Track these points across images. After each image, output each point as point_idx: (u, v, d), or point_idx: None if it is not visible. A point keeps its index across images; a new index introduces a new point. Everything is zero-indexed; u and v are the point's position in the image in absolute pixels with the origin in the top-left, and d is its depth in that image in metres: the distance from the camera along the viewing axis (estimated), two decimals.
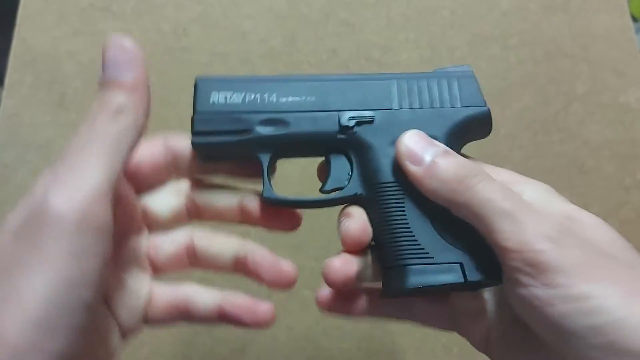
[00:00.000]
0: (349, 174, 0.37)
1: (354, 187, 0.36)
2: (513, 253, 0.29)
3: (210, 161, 0.37)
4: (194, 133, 0.36)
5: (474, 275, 0.33)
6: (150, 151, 0.36)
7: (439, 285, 0.33)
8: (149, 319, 0.36)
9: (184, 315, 0.36)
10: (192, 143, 0.35)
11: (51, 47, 0.69)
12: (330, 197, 0.37)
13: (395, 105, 0.36)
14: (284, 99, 0.36)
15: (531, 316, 0.30)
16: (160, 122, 0.64)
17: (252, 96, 0.36)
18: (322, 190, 0.37)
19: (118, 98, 0.30)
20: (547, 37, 0.68)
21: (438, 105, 0.36)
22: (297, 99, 0.36)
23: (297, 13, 0.70)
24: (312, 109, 0.36)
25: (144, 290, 0.36)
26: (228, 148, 0.36)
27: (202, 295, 0.37)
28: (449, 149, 0.34)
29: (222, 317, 0.36)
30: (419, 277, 0.33)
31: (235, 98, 0.36)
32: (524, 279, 0.29)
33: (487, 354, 0.36)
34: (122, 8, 0.70)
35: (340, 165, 0.37)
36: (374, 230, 0.35)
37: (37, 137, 0.65)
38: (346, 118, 0.36)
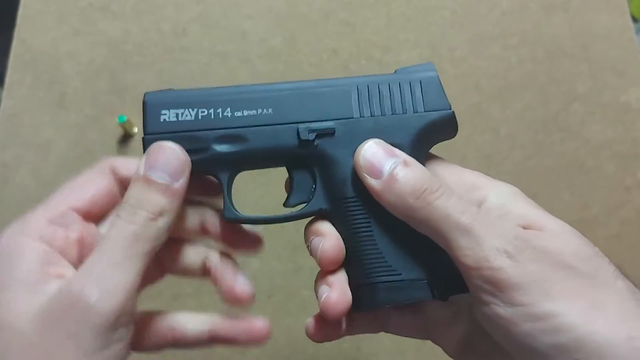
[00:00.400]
0: (312, 188, 0.35)
1: (318, 201, 0.35)
2: (472, 270, 0.29)
3: None
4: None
5: (441, 290, 0.33)
6: (101, 185, 0.35)
7: (407, 302, 0.33)
8: (137, 347, 0.35)
9: (173, 343, 0.36)
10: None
11: (51, 47, 0.69)
12: (294, 213, 0.35)
13: (356, 114, 0.35)
14: (239, 113, 0.34)
15: (496, 333, 0.30)
16: None
17: (206, 112, 0.34)
18: (285, 205, 0.36)
19: (162, 202, 0.32)
20: (547, 37, 0.68)
21: (401, 112, 0.35)
22: (254, 112, 0.34)
23: (297, 13, 0.70)
24: (270, 122, 0.34)
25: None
26: None
27: (191, 321, 0.36)
28: (409, 159, 0.32)
29: (215, 340, 0.36)
30: (388, 294, 0.33)
31: (188, 115, 0.34)
32: (485, 296, 0.29)
33: None
34: (121, 8, 0.70)
35: (304, 179, 0.36)
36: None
37: (36, 137, 0.65)
38: (306, 131, 0.34)
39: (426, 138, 0.35)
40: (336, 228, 0.35)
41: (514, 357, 0.30)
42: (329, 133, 0.34)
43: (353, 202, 0.34)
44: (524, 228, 0.31)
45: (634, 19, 1.12)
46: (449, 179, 0.34)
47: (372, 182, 0.32)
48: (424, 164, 0.33)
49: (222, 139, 0.34)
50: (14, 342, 0.28)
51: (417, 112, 0.35)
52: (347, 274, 0.35)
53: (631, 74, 0.67)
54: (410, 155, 0.33)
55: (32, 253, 0.31)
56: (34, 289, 0.30)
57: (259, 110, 0.34)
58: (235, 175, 0.36)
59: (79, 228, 0.33)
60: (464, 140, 0.64)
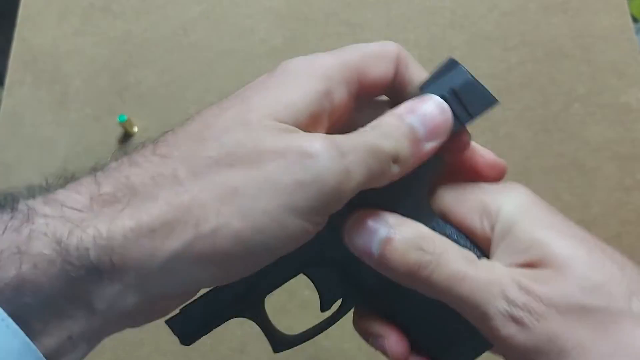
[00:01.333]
0: (337, 282, 0.33)
1: (352, 298, 0.33)
2: (489, 339, 0.29)
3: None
4: (181, 343, 0.33)
5: (472, 355, 0.32)
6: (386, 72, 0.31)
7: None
8: None
9: None
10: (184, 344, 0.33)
11: (52, 47, 0.69)
12: (338, 314, 0.33)
13: None
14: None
15: None
16: (161, 122, 0.64)
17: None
18: (323, 309, 0.34)
19: (405, 151, 0.28)
20: (547, 38, 0.68)
21: None
22: None
23: (298, 13, 0.70)
24: None
25: None
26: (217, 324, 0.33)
27: None
28: (390, 230, 0.29)
29: None
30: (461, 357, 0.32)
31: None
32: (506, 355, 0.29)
33: None
34: (122, 7, 0.70)
35: (324, 277, 0.33)
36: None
37: (37, 137, 0.65)
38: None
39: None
40: (382, 314, 0.33)
41: None
42: None
43: (381, 289, 0.32)
44: (528, 265, 0.29)
45: (634, 20, 1.12)
46: (455, 208, 0.32)
47: (368, 262, 0.30)
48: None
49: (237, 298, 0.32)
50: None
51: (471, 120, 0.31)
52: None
53: (631, 74, 0.67)
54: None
55: (313, 92, 0.28)
56: (280, 125, 0.27)
57: None
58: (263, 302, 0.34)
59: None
60: None
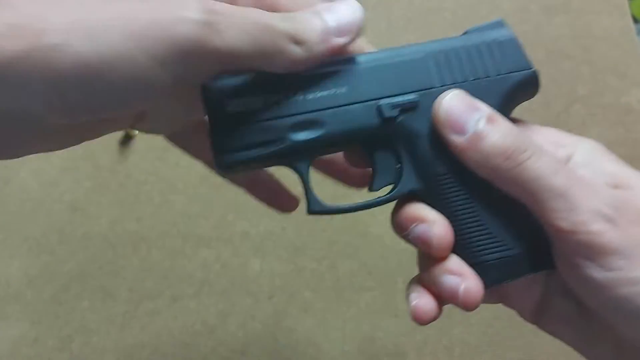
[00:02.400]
0: (397, 167, 0.33)
1: (409, 182, 0.32)
2: (567, 234, 0.28)
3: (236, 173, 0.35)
4: (216, 155, 0.31)
5: (538, 263, 0.32)
6: None
7: (522, 277, 0.32)
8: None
9: None
10: (217, 166, 0.31)
11: None
12: (382, 198, 0.33)
13: (437, 83, 0.32)
14: (311, 96, 0.31)
15: (589, 297, 0.29)
16: None
17: (275, 97, 0.31)
18: (371, 189, 0.34)
19: (314, 37, 0.29)
20: (548, 39, 0.68)
21: (483, 76, 0.33)
22: (327, 92, 0.31)
23: None
24: (347, 102, 0.31)
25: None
26: (258, 162, 0.32)
27: None
28: (495, 114, 0.31)
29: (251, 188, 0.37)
30: (504, 270, 0.32)
31: (256, 103, 0.31)
32: (580, 260, 0.28)
33: (538, 325, 0.35)
34: None
35: (387, 158, 0.33)
36: None
37: None
38: (388, 108, 0.31)
39: (511, 100, 0.33)
40: (432, 208, 0.33)
41: (607, 320, 0.29)
42: (412, 107, 0.32)
43: (447, 178, 0.32)
44: (614, 187, 0.30)
45: (635, 20, 1.12)
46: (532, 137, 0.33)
47: (454, 138, 0.30)
48: None
49: (298, 126, 0.31)
50: None
51: (500, 74, 0.33)
52: (456, 253, 0.33)
53: (632, 75, 0.67)
54: None
55: None
56: None
57: (333, 90, 0.31)
58: (312, 162, 0.33)
59: None
60: None
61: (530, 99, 0.35)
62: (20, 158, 0.29)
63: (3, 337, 0.58)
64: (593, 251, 0.28)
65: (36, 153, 0.29)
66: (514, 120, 0.34)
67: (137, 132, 0.65)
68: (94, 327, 0.58)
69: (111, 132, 0.32)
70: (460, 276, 0.31)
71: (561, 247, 0.30)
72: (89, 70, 0.25)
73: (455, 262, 0.31)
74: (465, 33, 0.34)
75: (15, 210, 0.61)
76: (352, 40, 0.31)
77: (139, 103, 0.28)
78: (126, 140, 0.65)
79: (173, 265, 0.59)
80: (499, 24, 0.35)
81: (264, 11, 0.29)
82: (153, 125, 0.33)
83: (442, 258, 0.32)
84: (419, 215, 0.32)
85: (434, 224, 0.31)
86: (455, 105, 0.30)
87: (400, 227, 0.33)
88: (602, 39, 0.69)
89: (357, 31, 0.31)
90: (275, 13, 0.29)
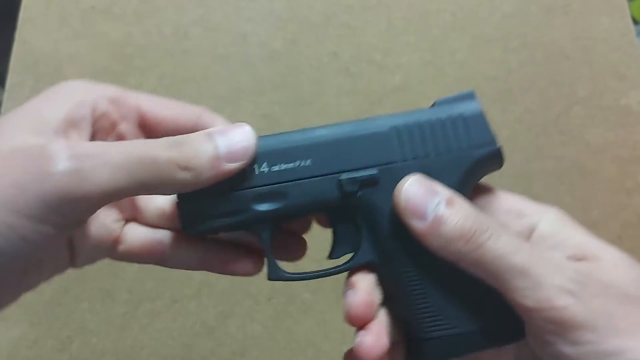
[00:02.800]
0: (357, 238, 0.34)
1: (367, 254, 0.33)
2: (533, 312, 0.28)
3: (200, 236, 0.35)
4: (183, 221, 0.32)
5: (497, 338, 0.32)
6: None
7: (466, 354, 0.32)
8: (118, 255, 0.34)
9: (158, 260, 0.35)
10: (184, 231, 0.33)
11: (52, 49, 0.69)
12: (341, 267, 0.34)
13: (398, 158, 0.32)
14: (276, 168, 0.32)
15: None
16: None
17: (240, 170, 0.32)
18: (330, 257, 0.35)
19: (203, 163, 0.29)
20: (548, 40, 0.68)
21: (445, 152, 0.33)
22: (292, 165, 0.32)
23: (298, 16, 0.70)
24: (310, 175, 0.32)
25: (114, 226, 0.34)
26: (223, 229, 0.33)
27: (181, 243, 0.35)
28: (453, 196, 0.31)
29: (206, 266, 0.35)
30: (446, 348, 0.32)
31: None
32: (549, 336, 0.28)
33: None
34: (123, 10, 0.70)
35: (347, 229, 0.34)
36: (389, 294, 0.34)
37: None
38: (348, 182, 0.32)
39: (473, 175, 0.34)
40: (382, 278, 0.33)
41: None
42: (372, 182, 0.32)
43: (401, 254, 0.32)
44: (578, 259, 0.30)
45: (635, 22, 1.12)
46: (493, 207, 0.33)
47: (415, 224, 0.30)
48: (469, 199, 0.32)
49: (261, 198, 0.32)
50: None
51: (463, 150, 0.33)
52: (403, 325, 0.34)
53: (632, 77, 0.67)
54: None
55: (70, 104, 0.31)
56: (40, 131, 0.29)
57: (297, 162, 0.32)
58: (274, 231, 0.34)
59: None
60: None
61: (495, 171, 0.35)
62: None
63: (2, 338, 0.58)
64: (560, 327, 0.28)
65: None
66: (478, 187, 0.34)
67: None
68: (93, 328, 0.58)
69: (46, 279, 0.33)
70: (366, 330, 0.32)
71: (530, 324, 0.30)
72: None
73: (374, 320, 0.33)
74: (434, 104, 0.34)
75: None
76: (244, 165, 0.31)
77: (32, 258, 0.28)
78: None
79: None
80: (470, 96, 0.34)
81: (148, 140, 0.29)
82: (88, 258, 0.34)
83: (358, 325, 0.33)
84: (352, 282, 0.33)
85: (356, 293, 0.32)
86: (415, 191, 0.31)
87: (343, 291, 0.34)
88: (602, 41, 0.69)
89: (249, 157, 0.31)
90: (162, 139, 0.29)
